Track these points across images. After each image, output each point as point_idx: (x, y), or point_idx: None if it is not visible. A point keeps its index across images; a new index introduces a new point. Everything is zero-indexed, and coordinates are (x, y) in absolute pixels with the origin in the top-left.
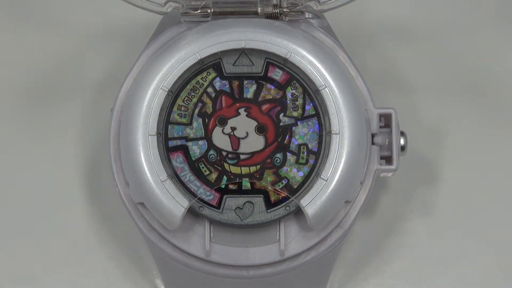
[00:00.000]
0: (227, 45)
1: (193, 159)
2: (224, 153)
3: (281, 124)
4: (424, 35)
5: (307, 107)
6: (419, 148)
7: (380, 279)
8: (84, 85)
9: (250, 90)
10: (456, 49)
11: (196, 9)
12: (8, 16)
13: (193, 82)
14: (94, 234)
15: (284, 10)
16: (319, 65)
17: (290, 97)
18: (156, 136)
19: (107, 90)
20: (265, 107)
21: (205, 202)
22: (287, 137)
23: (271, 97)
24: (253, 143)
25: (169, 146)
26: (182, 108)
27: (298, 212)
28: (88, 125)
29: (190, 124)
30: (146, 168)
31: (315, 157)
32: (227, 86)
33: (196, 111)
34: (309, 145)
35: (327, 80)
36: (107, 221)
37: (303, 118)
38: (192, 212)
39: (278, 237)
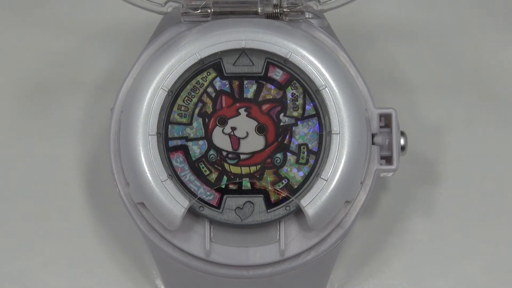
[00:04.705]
0: (227, 45)
1: (193, 159)
2: (224, 153)
3: (281, 124)
4: (424, 35)
5: (307, 107)
6: (419, 148)
7: (380, 279)
8: (84, 85)
9: (250, 90)
10: (456, 49)
11: (196, 9)
12: (8, 16)
13: (193, 82)
14: (94, 234)
15: (284, 10)
16: (319, 65)
17: (290, 97)
18: (156, 136)
19: (107, 90)
20: (265, 107)
21: (205, 202)
22: (287, 137)
23: (271, 97)
24: (253, 143)
25: (169, 146)
26: (182, 108)
27: (298, 212)
28: (88, 125)
29: (190, 124)
30: (146, 168)
31: (315, 157)
32: (227, 86)
33: (196, 111)
34: (309, 145)
35: (327, 80)
36: (107, 221)
37: (303, 118)
38: (192, 212)
39: (278, 237)
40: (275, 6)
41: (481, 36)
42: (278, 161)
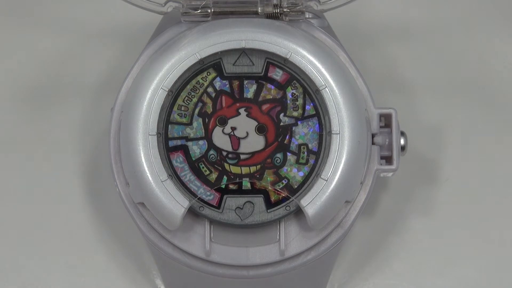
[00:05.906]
0: (227, 45)
1: (193, 159)
2: (224, 153)
3: (281, 124)
4: (424, 35)
5: (307, 107)
6: (419, 148)
7: (380, 279)
8: (84, 85)
9: (250, 90)
10: (456, 49)
11: (196, 9)
12: (8, 16)
13: (193, 82)
14: (94, 234)
15: (284, 10)
16: (319, 65)
17: (290, 97)
18: (156, 136)
19: (107, 90)
20: (265, 107)
21: (205, 202)
22: (287, 137)
23: (271, 97)
24: (253, 143)
25: (169, 146)
26: (182, 108)
27: (298, 212)
28: (88, 125)
29: (190, 124)
30: (146, 168)
31: (315, 157)
32: (227, 86)
33: (196, 111)
34: (309, 145)
35: (327, 80)
36: (107, 221)
37: (303, 118)
38: (192, 212)
39: (278, 237)
40: (275, 6)
41: (481, 35)
42: (278, 161)
